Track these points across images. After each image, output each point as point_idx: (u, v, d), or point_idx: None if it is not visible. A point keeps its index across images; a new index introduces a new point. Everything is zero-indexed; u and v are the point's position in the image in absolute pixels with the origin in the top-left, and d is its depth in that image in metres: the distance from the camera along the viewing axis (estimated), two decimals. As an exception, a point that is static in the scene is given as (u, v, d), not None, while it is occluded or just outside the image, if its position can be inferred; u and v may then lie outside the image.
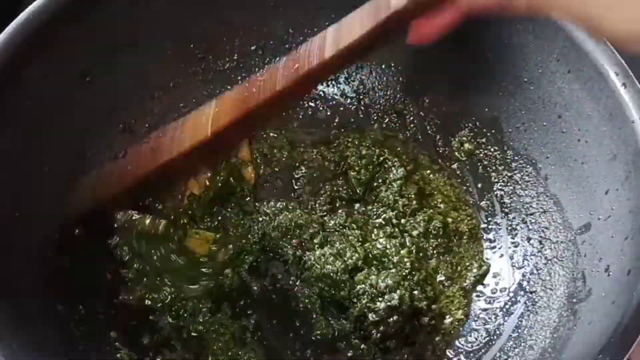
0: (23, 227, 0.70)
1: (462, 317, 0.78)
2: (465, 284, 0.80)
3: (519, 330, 0.75)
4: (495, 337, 0.76)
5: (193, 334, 0.75)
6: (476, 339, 0.77)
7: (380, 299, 0.74)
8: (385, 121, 0.92)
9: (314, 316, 0.75)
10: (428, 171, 0.88)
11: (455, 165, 0.88)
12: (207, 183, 0.84)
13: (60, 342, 0.68)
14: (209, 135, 0.67)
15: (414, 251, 0.80)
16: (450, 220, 0.83)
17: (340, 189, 0.86)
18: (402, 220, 0.82)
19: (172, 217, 0.81)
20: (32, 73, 0.69)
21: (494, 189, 0.85)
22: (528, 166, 0.81)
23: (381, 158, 0.87)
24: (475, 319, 0.79)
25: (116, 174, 0.75)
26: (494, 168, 0.85)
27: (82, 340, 0.71)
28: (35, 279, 0.70)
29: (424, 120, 0.90)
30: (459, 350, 0.77)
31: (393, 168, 0.86)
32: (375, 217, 0.83)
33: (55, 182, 0.75)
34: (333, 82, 0.93)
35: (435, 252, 0.82)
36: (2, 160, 0.67)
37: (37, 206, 0.73)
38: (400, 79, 0.90)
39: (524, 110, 0.80)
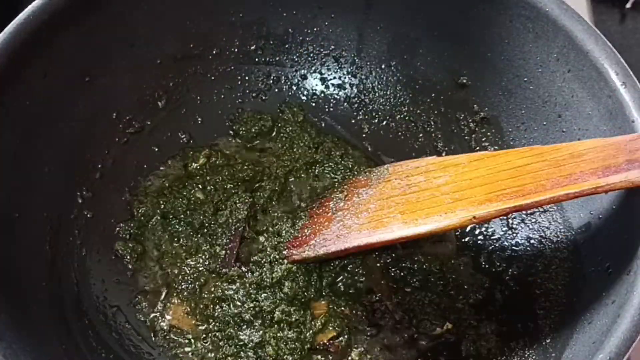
0: (23, 227, 0.70)
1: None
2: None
3: (519, 330, 0.75)
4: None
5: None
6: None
7: None
8: (385, 121, 0.92)
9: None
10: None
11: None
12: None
13: (60, 342, 0.68)
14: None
15: None
16: None
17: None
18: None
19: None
20: (32, 73, 0.69)
21: (494, 188, 0.85)
22: (528, 166, 0.81)
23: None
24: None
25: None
26: (494, 168, 0.85)
27: (82, 341, 0.71)
28: (36, 280, 0.70)
29: (424, 120, 0.90)
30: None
31: None
32: None
33: (55, 182, 0.75)
34: (333, 83, 0.93)
35: None
36: (2, 160, 0.67)
37: (38, 206, 0.73)
38: (400, 78, 0.90)
39: (524, 110, 0.80)
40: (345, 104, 0.94)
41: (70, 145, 0.77)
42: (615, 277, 0.62)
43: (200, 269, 0.81)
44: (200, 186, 0.86)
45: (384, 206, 0.73)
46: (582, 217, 0.72)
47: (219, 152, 0.90)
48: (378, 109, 0.92)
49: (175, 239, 0.83)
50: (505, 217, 0.83)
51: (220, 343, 0.76)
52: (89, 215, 0.80)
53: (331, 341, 0.76)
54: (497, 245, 0.83)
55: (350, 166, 0.88)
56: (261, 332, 0.76)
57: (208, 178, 0.87)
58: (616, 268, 0.63)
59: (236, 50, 0.89)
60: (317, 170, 0.88)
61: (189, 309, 0.79)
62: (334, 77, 0.93)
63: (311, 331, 0.76)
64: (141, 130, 0.86)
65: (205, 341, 0.77)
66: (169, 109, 0.88)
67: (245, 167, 0.88)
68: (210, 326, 0.78)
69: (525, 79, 0.77)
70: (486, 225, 0.84)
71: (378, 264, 0.81)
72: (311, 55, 0.92)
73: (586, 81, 0.69)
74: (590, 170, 0.58)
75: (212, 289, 0.80)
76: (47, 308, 0.70)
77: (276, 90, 0.93)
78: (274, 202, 0.86)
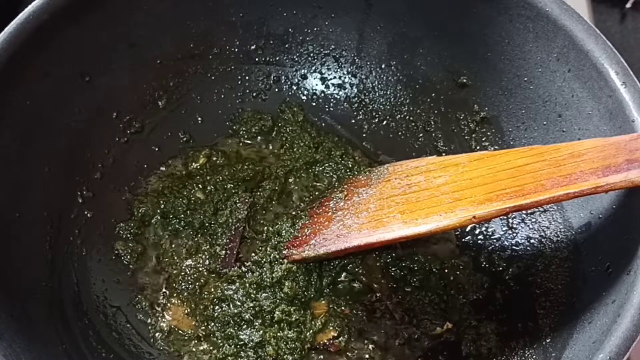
0: (23, 227, 0.70)
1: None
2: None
3: (520, 330, 0.75)
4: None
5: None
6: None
7: None
8: (385, 121, 0.92)
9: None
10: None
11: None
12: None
13: (61, 342, 0.68)
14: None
15: None
16: None
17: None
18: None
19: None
20: (32, 73, 0.69)
21: (494, 188, 0.85)
22: (528, 166, 0.81)
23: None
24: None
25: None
26: (494, 167, 0.85)
27: (82, 341, 0.71)
28: (36, 280, 0.70)
29: (424, 120, 0.90)
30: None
31: None
32: None
33: (55, 182, 0.75)
34: (333, 82, 0.93)
35: None
36: (2, 160, 0.67)
37: (38, 206, 0.73)
38: (401, 78, 0.90)
39: (524, 110, 0.80)
40: (345, 103, 0.94)
41: (70, 145, 0.77)
42: (615, 277, 0.62)
43: (200, 269, 0.81)
44: (200, 186, 0.86)
45: (383, 206, 0.73)
46: (582, 217, 0.72)
47: (219, 152, 0.90)
48: (378, 108, 0.92)
49: (176, 239, 0.83)
50: (505, 217, 0.83)
51: (220, 343, 0.76)
52: (89, 215, 0.80)
53: (331, 341, 0.76)
54: (497, 245, 0.83)
55: (350, 166, 0.88)
56: (261, 331, 0.76)
57: (208, 178, 0.87)
58: (616, 268, 0.63)
59: (236, 50, 0.89)
60: (317, 170, 0.88)
61: (189, 309, 0.79)
62: (334, 77, 0.93)
63: (311, 331, 0.76)
64: (141, 130, 0.86)
65: (205, 341, 0.77)
66: (169, 109, 0.88)
67: (245, 167, 0.88)
68: (210, 326, 0.78)
69: (526, 79, 0.77)
70: (486, 225, 0.84)
71: (378, 264, 0.81)
72: (311, 55, 0.92)
73: (586, 81, 0.69)
74: (590, 170, 0.58)
75: (212, 289, 0.80)
76: (47, 308, 0.70)
77: (276, 90, 0.93)
78: (274, 202, 0.86)
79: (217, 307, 0.78)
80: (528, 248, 0.80)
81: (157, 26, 0.80)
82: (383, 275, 0.80)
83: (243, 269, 0.80)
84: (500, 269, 0.81)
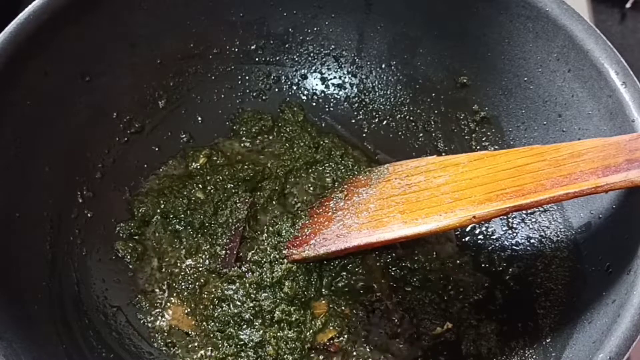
0: (24, 227, 0.70)
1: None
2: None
3: (520, 330, 0.75)
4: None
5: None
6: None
7: None
8: (386, 121, 0.92)
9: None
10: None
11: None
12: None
13: (61, 342, 0.68)
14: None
15: None
16: None
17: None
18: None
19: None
20: (32, 73, 0.69)
21: (494, 188, 0.85)
22: (528, 165, 0.81)
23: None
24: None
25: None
26: (494, 167, 0.85)
27: (82, 341, 0.71)
28: (36, 279, 0.70)
29: (424, 120, 0.90)
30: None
31: None
32: None
33: (55, 182, 0.75)
34: (333, 82, 0.93)
35: None
36: (3, 160, 0.67)
37: (38, 206, 0.73)
38: (401, 78, 0.90)
39: (524, 110, 0.80)
40: (346, 103, 0.94)
41: (70, 145, 0.77)
42: (615, 277, 0.62)
43: (200, 269, 0.81)
44: (200, 186, 0.86)
45: (384, 206, 0.73)
46: (582, 216, 0.72)
47: (219, 152, 0.90)
48: (378, 108, 0.93)
49: (176, 239, 0.83)
50: (505, 217, 0.83)
51: (220, 343, 0.76)
52: (89, 215, 0.80)
53: (331, 341, 0.76)
54: (497, 244, 0.83)
55: (350, 166, 0.88)
56: (261, 331, 0.76)
57: (208, 178, 0.87)
58: (616, 268, 0.63)
59: (236, 50, 0.89)
60: (317, 170, 0.88)
61: (189, 309, 0.79)
62: (334, 77, 0.93)
63: (311, 331, 0.76)
64: (141, 130, 0.86)
65: (205, 341, 0.77)
66: (169, 109, 0.88)
67: (245, 167, 0.88)
68: (210, 326, 0.78)
69: (526, 79, 0.78)
70: (486, 224, 0.84)
71: (378, 264, 0.81)
72: (311, 54, 0.92)
73: (586, 81, 0.69)
74: (590, 169, 0.58)
75: (212, 289, 0.80)
76: (47, 308, 0.70)
77: (276, 90, 0.93)
78: (274, 202, 0.86)
79: (217, 307, 0.78)
80: (528, 248, 0.80)
81: (157, 26, 0.80)
82: (383, 275, 0.80)
83: (243, 269, 0.80)
84: (500, 269, 0.81)
